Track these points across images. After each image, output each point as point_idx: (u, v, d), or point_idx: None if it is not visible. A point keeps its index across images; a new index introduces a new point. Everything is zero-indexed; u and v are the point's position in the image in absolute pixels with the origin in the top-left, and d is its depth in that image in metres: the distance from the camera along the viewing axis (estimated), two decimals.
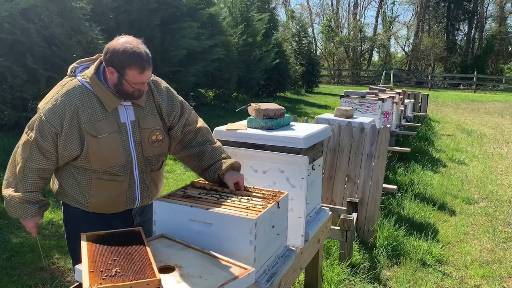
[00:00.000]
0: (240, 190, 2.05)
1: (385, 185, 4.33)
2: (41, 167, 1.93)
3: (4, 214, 4.19)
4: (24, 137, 1.95)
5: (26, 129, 1.96)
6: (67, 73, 2.00)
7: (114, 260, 1.49)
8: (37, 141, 1.89)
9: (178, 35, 10.34)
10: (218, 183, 2.12)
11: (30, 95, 6.93)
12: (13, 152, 2.01)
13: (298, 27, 23.23)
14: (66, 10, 7.16)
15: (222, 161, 2.11)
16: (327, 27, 36.35)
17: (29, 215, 1.99)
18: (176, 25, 10.39)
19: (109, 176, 1.96)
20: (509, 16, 36.51)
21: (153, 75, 2.00)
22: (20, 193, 1.96)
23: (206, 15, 11.74)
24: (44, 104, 1.90)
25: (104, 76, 1.93)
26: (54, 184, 2.11)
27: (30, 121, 1.95)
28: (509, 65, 33.88)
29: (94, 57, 2.02)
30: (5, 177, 2.03)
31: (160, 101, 2.06)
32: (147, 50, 1.89)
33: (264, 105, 2.51)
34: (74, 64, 2.01)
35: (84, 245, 1.58)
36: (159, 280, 1.38)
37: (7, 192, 1.99)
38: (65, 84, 1.92)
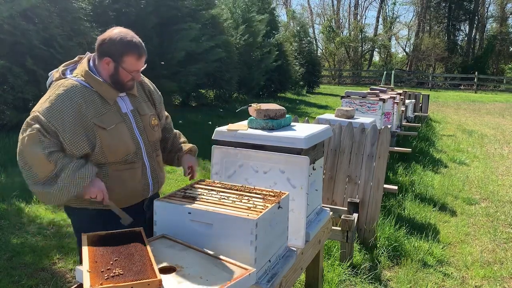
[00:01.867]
0: (192, 173, 2.32)
1: (386, 186, 4.32)
2: (58, 149, 1.85)
3: (5, 214, 4.20)
4: (27, 138, 1.83)
5: (22, 133, 1.85)
6: (55, 77, 2.00)
7: (115, 260, 1.49)
8: (41, 132, 1.82)
9: (177, 36, 10.34)
10: (177, 164, 2.35)
11: (31, 95, 6.94)
12: (23, 166, 1.85)
13: (298, 27, 23.24)
14: (66, 11, 7.16)
15: (182, 144, 2.37)
16: (327, 28, 36.35)
17: (90, 173, 1.85)
18: (176, 27, 10.40)
19: (124, 165, 2.01)
20: (510, 16, 36.48)
21: None
22: (64, 171, 1.82)
23: (208, 16, 11.75)
24: (40, 105, 1.88)
25: (97, 71, 1.99)
26: None
27: (24, 125, 1.86)
28: (510, 66, 33.84)
29: (76, 59, 2.08)
30: (35, 189, 1.86)
31: (150, 89, 2.25)
32: (140, 40, 2.01)
33: (264, 106, 2.51)
34: (61, 67, 2.04)
35: (85, 245, 1.58)
36: (160, 281, 1.38)
37: (53, 187, 1.82)
38: (60, 85, 1.92)
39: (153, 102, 2.24)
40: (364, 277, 3.43)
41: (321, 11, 42.39)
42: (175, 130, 2.45)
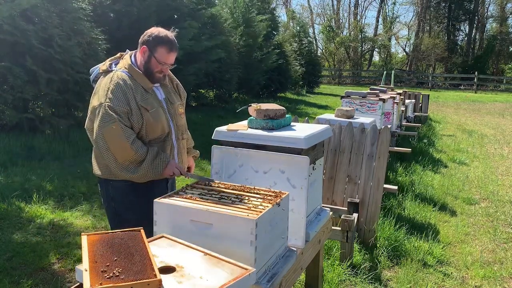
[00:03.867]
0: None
1: (385, 186, 4.32)
2: (135, 136, 2.23)
3: (5, 215, 4.20)
4: (111, 129, 2.16)
5: (102, 124, 2.17)
6: (102, 69, 2.35)
7: (115, 260, 1.49)
8: (121, 121, 2.18)
9: (176, 35, 10.32)
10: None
11: (31, 95, 6.93)
12: (104, 152, 2.20)
13: (298, 27, 23.24)
14: (66, 11, 7.15)
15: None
16: (327, 28, 36.36)
17: (164, 160, 2.28)
18: (175, 26, 10.38)
19: (158, 143, 2.35)
20: (510, 16, 36.48)
21: None
22: (145, 161, 2.23)
23: (207, 15, 11.74)
24: (105, 96, 2.20)
25: (135, 64, 2.33)
26: (100, 167, 2.36)
27: (100, 119, 2.17)
28: (510, 65, 33.85)
29: (118, 55, 2.43)
30: (117, 171, 2.24)
31: (178, 83, 2.59)
32: (175, 40, 2.36)
33: (264, 106, 2.51)
34: (107, 61, 2.39)
35: (84, 245, 1.58)
36: (160, 281, 1.38)
37: (135, 173, 2.23)
38: (112, 77, 2.27)
39: (179, 94, 2.59)
40: (364, 277, 3.43)
41: (321, 11, 42.49)
42: (187, 135, 2.68)
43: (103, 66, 2.38)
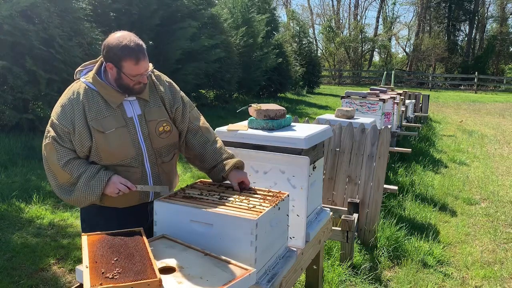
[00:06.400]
0: (246, 188, 2.11)
1: (386, 186, 4.32)
2: (72, 157, 1.94)
3: (5, 215, 4.20)
4: (46, 147, 1.96)
5: (43, 140, 1.99)
6: (75, 77, 2.08)
7: (115, 260, 1.49)
8: (56, 140, 1.92)
9: (176, 35, 10.34)
10: (224, 182, 2.18)
11: (31, 96, 6.93)
12: (47, 170, 1.98)
13: (298, 27, 23.24)
14: (66, 11, 7.15)
15: (225, 162, 2.15)
16: (327, 28, 36.36)
17: (103, 179, 1.91)
18: (176, 26, 10.40)
19: (121, 167, 2.00)
20: (510, 16, 36.48)
21: (155, 70, 2.11)
22: (80, 180, 1.91)
23: (207, 15, 11.75)
24: (55, 109, 1.99)
25: (105, 75, 2.01)
26: None
27: (46, 130, 1.99)
28: (510, 66, 33.85)
29: (97, 59, 2.08)
30: (57, 192, 1.99)
31: (162, 93, 2.12)
32: (141, 42, 1.95)
33: (264, 106, 2.51)
34: (79, 68, 2.09)
35: (85, 245, 1.58)
36: (160, 281, 1.38)
37: (71, 195, 1.93)
38: (71, 87, 2.02)
39: (165, 107, 2.12)
40: (364, 277, 3.43)
41: (321, 11, 42.48)
42: (217, 144, 2.21)
43: (75, 74, 2.11)
